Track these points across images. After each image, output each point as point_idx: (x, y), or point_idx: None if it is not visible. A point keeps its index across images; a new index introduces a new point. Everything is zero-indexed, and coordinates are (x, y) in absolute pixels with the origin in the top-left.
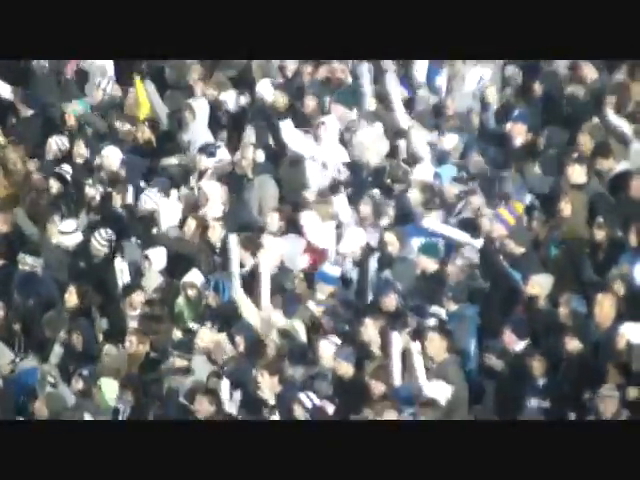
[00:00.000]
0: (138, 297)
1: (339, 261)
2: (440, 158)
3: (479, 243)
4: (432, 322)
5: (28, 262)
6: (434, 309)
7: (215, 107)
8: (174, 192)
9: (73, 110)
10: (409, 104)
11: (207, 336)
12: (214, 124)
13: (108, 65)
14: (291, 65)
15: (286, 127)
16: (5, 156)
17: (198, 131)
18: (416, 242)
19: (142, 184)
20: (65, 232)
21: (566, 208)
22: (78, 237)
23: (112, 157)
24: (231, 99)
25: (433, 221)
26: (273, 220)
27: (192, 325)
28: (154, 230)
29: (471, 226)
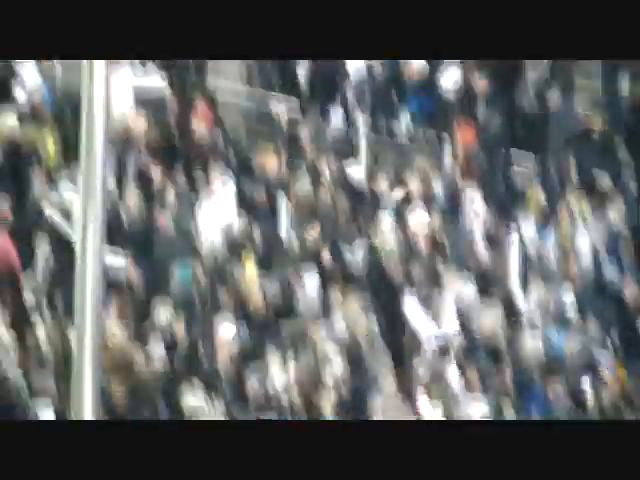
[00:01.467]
0: None
1: None
2: (556, 319)
3: None
4: None
5: None
6: None
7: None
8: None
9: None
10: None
11: None
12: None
13: None
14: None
15: (410, 303)
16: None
17: (310, 300)
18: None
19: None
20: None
21: None
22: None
23: (228, 331)
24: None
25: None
26: (389, 384)
27: None
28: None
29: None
